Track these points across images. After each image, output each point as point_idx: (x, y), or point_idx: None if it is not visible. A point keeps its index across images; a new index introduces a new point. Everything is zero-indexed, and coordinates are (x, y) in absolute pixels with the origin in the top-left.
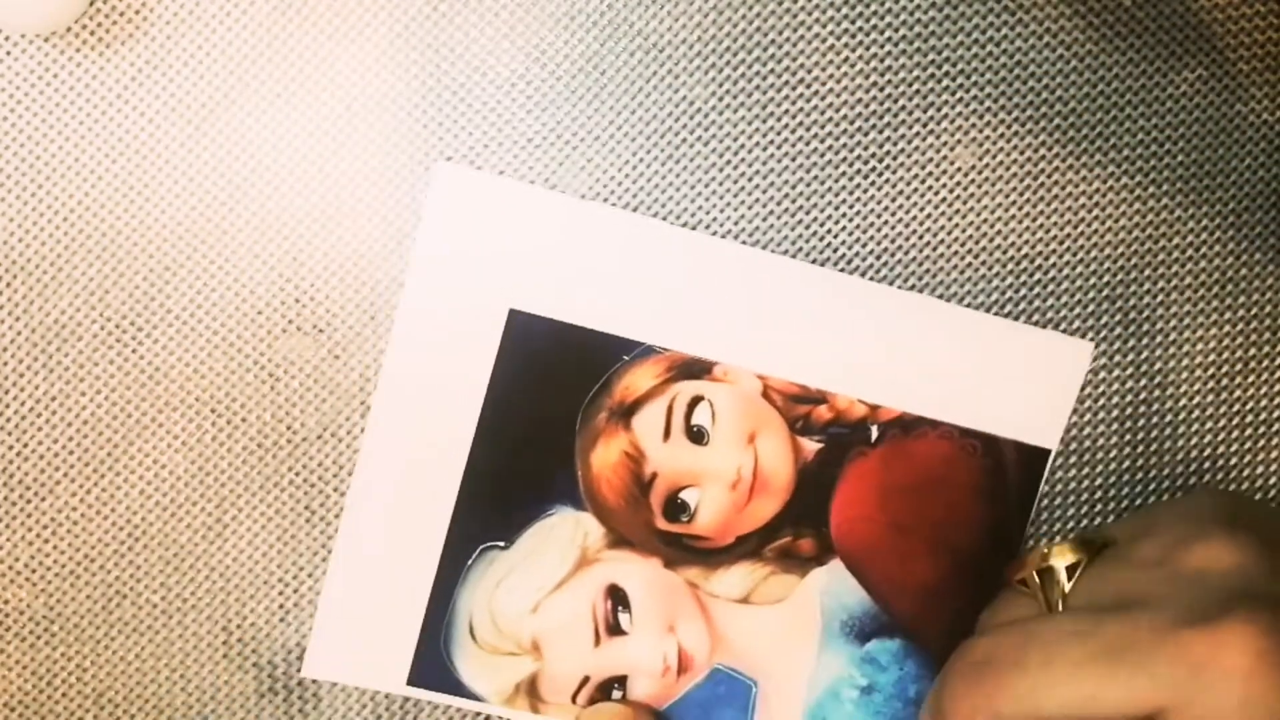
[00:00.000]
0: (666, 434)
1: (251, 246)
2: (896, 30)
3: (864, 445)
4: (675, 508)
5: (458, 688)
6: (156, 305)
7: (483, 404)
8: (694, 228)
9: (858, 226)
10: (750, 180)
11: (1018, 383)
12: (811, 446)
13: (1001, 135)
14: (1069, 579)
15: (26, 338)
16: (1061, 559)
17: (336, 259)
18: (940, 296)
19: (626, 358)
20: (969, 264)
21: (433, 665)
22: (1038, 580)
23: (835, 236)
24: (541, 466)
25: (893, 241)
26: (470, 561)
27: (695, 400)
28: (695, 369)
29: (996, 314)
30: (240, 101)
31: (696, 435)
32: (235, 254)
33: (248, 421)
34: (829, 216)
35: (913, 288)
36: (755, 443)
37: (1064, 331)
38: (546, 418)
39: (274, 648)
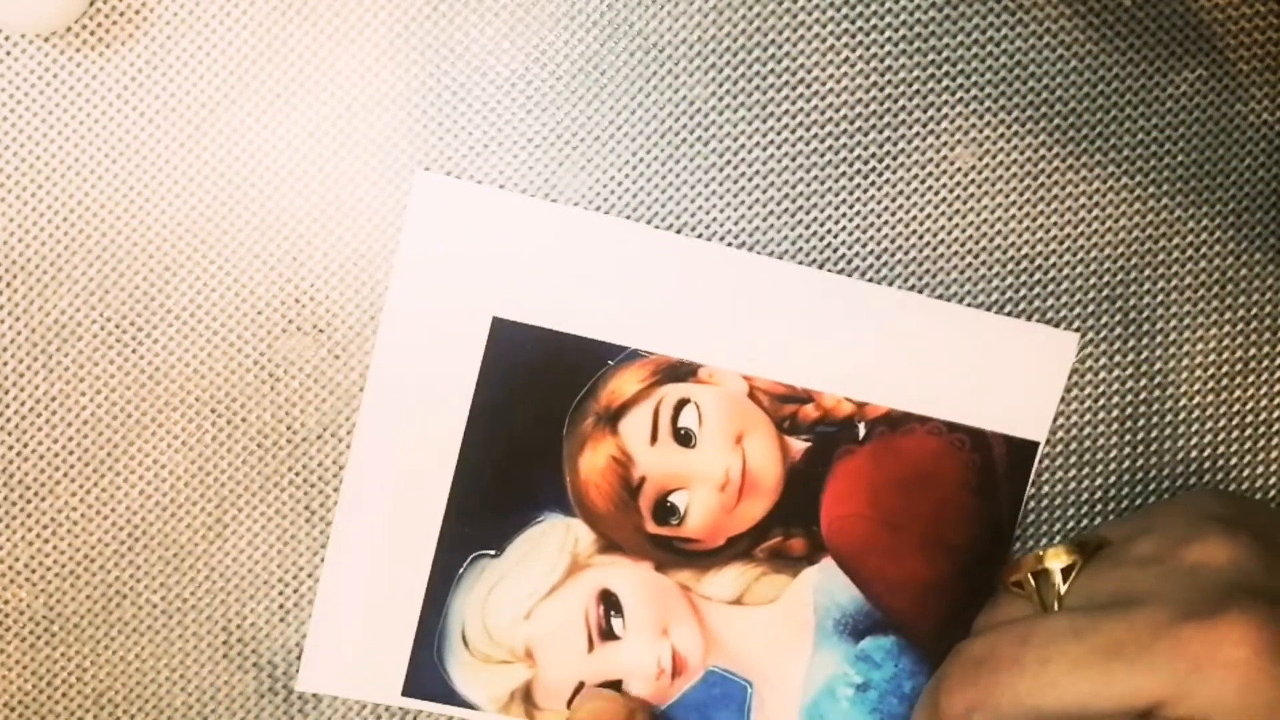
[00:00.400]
0: (654, 437)
1: (251, 246)
2: (896, 30)
3: (852, 443)
4: (665, 511)
5: (453, 697)
6: (156, 305)
7: (469, 413)
8: (694, 228)
9: (858, 226)
10: (750, 180)
11: (1004, 376)
12: (799, 446)
13: (1001, 135)
14: (1064, 580)
15: (26, 338)
16: (1056, 561)
17: (336, 259)
18: (940, 296)
19: (611, 362)
20: (969, 264)
21: (427, 675)
22: (1033, 583)
23: (835, 236)
24: (530, 474)
25: (893, 241)
26: (461, 570)
27: (681, 403)
28: (681, 372)
29: (996, 314)
30: (240, 101)
31: (684, 438)
32: (235, 254)
33: (248, 421)
34: (829, 216)
35: (912, 288)
36: (743, 444)
37: (1064, 331)
38: (533, 425)
39: (274, 648)
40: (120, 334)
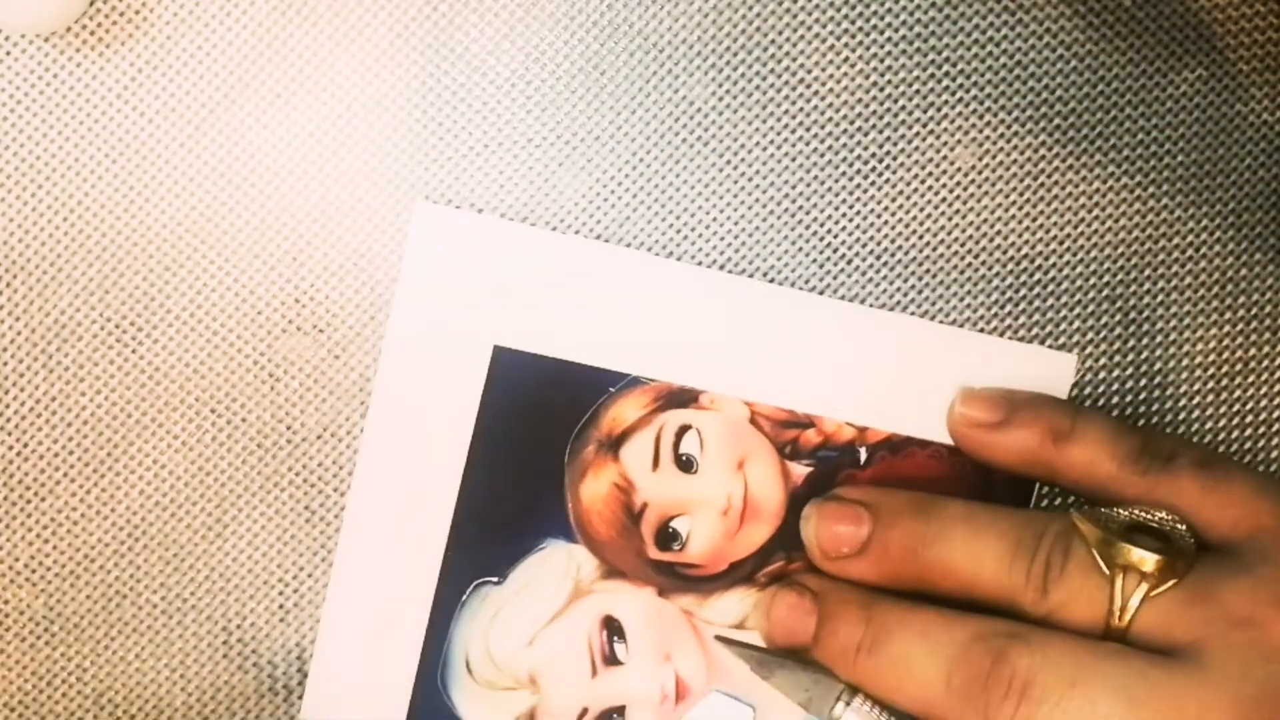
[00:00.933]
0: (655, 463)
1: (251, 246)
2: (896, 30)
3: (853, 468)
4: (667, 537)
5: None
6: (156, 305)
7: (471, 441)
8: (693, 228)
9: (858, 226)
10: (750, 180)
11: None
12: (801, 471)
13: (1001, 135)
14: (1150, 589)
15: (26, 338)
16: (1146, 567)
17: (336, 259)
18: (940, 296)
19: (613, 389)
20: (969, 264)
21: (431, 703)
22: (1120, 575)
23: (835, 236)
24: (532, 501)
25: (893, 241)
26: (464, 598)
27: (683, 429)
28: (682, 398)
29: (996, 314)
30: (240, 101)
31: (685, 464)
32: (235, 254)
33: (248, 421)
34: (829, 216)
35: (912, 287)
36: (744, 469)
37: (1063, 331)
38: (535, 452)
39: (274, 648)
40: (120, 334)
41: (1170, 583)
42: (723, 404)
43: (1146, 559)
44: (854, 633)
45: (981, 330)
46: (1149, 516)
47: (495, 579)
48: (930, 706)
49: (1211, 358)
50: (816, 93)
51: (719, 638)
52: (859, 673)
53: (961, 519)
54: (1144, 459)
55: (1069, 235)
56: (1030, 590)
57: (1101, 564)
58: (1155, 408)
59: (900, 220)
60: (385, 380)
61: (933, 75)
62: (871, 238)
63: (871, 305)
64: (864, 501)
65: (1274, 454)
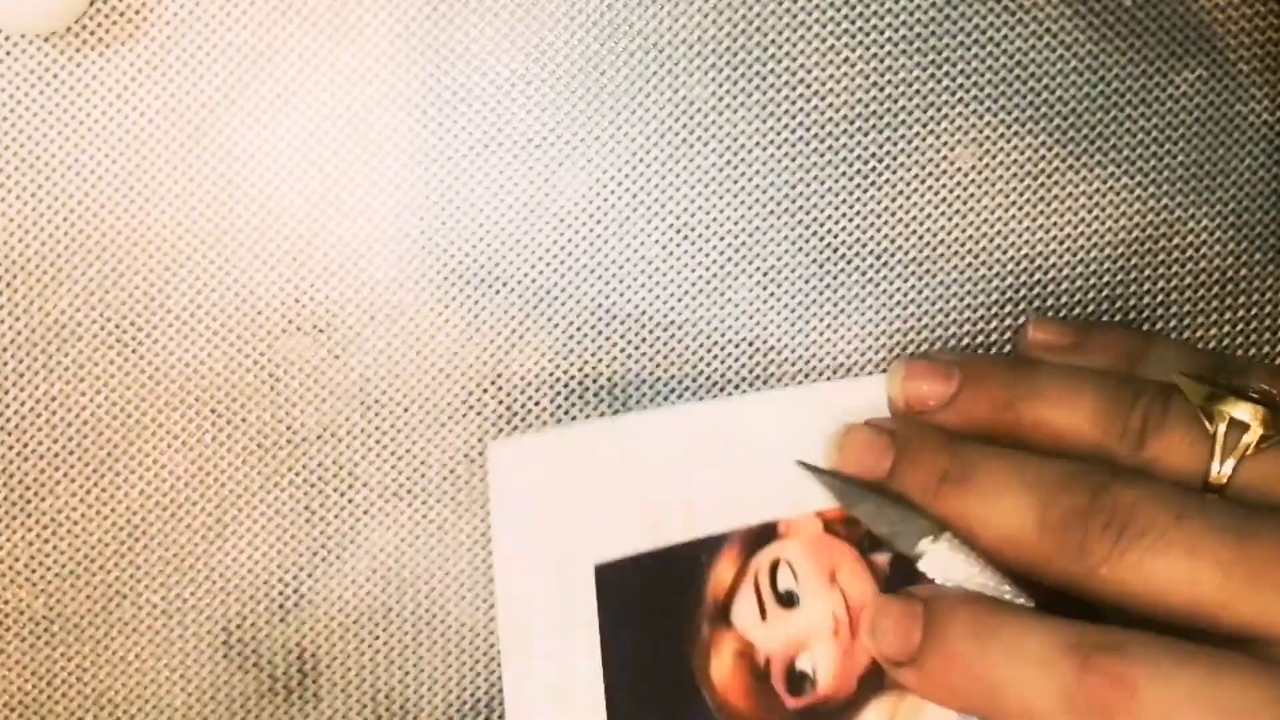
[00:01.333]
0: (763, 613)
1: (251, 246)
2: (896, 30)
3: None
4: (796, 680)
5: None
6: (156, 305)
7: (603, 671)
8: (694, 228)
9: (858, 226)
10: (750, 180)
11: None
12: (883, 559)
13: (1001, 135)
14: (1254, 443)
15: (26, 338)
16: (1246, 417)
17: (336, 259)
18: (940, 296)
19: (705, 558)
20: (969, 264)
21: None
22: (1222, 426)
23: (835, 236)
24: (674, 706)
25: (893, 242)
26: None
27: (774, 566)
28: (763, 536)
29: (996, 314)
30: (240, 101)
31: (787, 600)
32: (235, 254)
33: (248, 421)
34: (829, 216)
35: (912, 287)
36: (837, 581)
37: None
38: (660, 655)
39: (274, 648)
40: (120, 334)
41: (1274, 440)
42: (799, 526)
43: (1253, 413)
44: (939, 462)
45: (981, 329)
46: (1250, 390)
47: None
48: (1016, 544)
49: None
50: (816, 93)
51: (801, 463)
52: (942, 504)
53: (1059, 374)
54: (1217, 376)
55: (1069, 235)
56: (1126, 442)
57: (1203, 418)
58: None
59: (900, 220)
60: (508, 639)
61: (933, 75)
62: (871, 238)
63: (872, 305)
64: (956, 362)
65: None
